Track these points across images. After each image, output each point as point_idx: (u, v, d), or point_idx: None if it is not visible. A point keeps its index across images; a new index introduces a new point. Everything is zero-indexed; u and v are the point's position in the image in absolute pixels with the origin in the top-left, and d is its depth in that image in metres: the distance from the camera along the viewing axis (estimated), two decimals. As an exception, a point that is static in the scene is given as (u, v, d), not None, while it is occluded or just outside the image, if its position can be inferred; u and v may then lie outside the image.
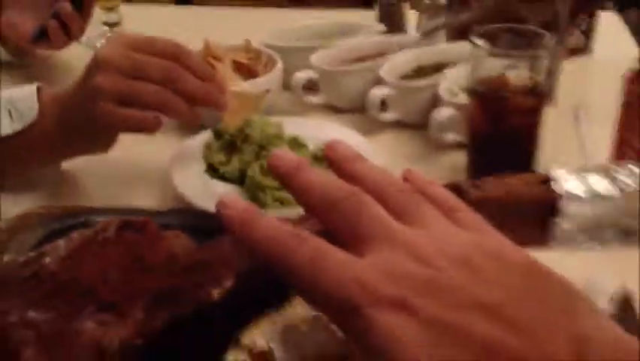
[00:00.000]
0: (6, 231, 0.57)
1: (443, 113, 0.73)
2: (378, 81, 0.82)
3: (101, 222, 0.49)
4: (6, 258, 0.53)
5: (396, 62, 0.84)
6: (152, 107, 0.62)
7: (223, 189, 0.70)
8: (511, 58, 0.64)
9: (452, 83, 0.77)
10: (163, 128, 0.64)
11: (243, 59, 0.86)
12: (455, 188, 0.51)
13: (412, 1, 1.00)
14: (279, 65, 0.83)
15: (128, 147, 0.78)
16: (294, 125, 0.76)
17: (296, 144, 0.73)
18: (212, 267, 0.46)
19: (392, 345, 0.27)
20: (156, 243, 0.48)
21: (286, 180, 0.33)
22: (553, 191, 0.49)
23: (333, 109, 0.88)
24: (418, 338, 0.27)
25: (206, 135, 0.76)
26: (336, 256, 0.29)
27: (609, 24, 1.09)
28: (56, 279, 0.44)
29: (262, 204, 0.66)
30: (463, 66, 0.80)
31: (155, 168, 0.73)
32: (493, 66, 0.64)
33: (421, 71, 0.85)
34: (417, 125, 0.81)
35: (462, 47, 0.86)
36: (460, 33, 0.93)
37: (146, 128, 0.63)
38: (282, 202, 0.67)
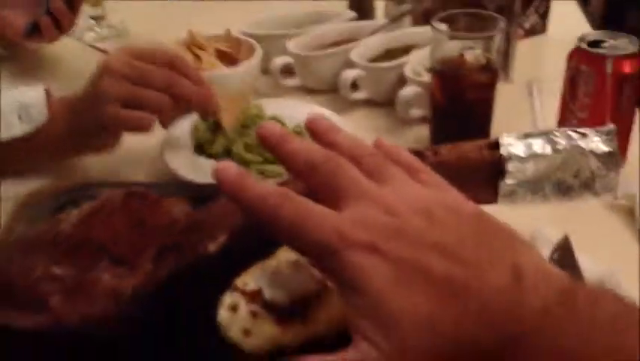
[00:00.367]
0: (20, 205, 0.64)
1: (408, 90, 0.80)
2: (350, 64, 0.88)
3: (107, 193, 0.56)
4: (21, 227, 0.59)
5: (366, 46, 0.90)
6: (151, 110, 0.68)
7: (210, 165, 0.76)
8: (467, 40, 0.72)
9: (416, 64, 0.84)
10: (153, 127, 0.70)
11: (224, 47, 0.92)
12: (416, 154, 0.58)
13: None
14: (259, 51, 0.90)
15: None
16: (273, 106, 0.82)
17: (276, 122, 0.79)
18: (207, 226, 0.53)
19: (365, 281, 0.32)
20: (157, 208, 0.54)
21: (274, 148, 0.38)
22: (499, 154, 0.56)
23: (308, 90, 0.94)
24: (386, 274, 0.32)
25: (193, 117, 0.82)
26: (317, 210, 0.34)
27: (565, 6, 1.17)
28: (73, 240, 0.51)
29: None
30: (427, 49, 0.87)
31: (149, 147, 0.79)
32: (452, 47, 0.71)
33: (388, 54, 0.91)
34: (385, 102, 0.88)
35: (426, 31, 0.92)
36: (424, 18, 1.00)
37: (144, 127, 0.69)
38: (264, 174, 0.73)
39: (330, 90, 0.92)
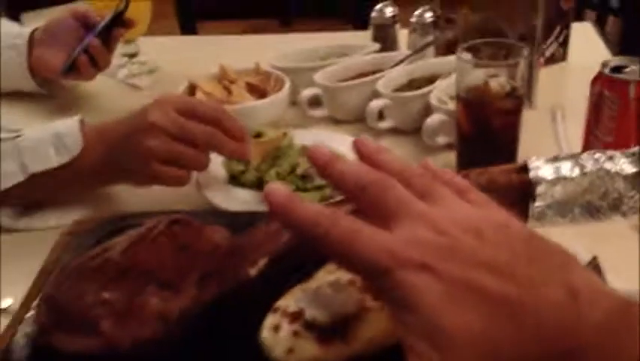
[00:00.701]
0: (65, 234, 0.66)
1: (434, 118, 0.82)
2: (375, 94, 0.91)
3: (151, 221, 0.58)
4: (67, 255, 0.62)
5: (391, 77, 0.93)
6: (190, 168, 0.72)
7: (243, 194, 0.79)
8: (492, 68, 0.74)
9: (442, 93, 0.86)
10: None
11: (254, 80, 0.95)
12: (446, 178, 0.60)
13: (402, 21, 1.09)
14: (287, 84, 0.93)
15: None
16: (302, 136, 0.84)
17: (305, 152, 0.82)
18: (247, 251, 0.55)
19: (418, 300, 0.32)
20: (199, 235, 0.57)
21: (324, 170, 0.38)
22: (528, 178, 0.58)
23: (335, 121, 0.96)
24: (439, 293, 0.32)
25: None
26: (368, 230, 0.34)
27: (584, 34, 1.19)
28: (120, 266, 0.53)
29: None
30: (453, 77, 0.89)
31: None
32: (477, 76, 0.73)
33: (413, 84, 0.94)
34: (410, 131, 0.90)
35: (449, 60, 0.95)
36: (447, 48, 1.03)
37: (181, 184, 0.73)
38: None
39: (356, 120, 0.95)
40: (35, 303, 0.55)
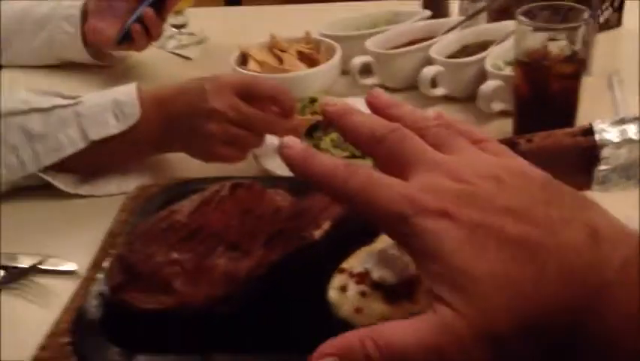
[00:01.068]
0: (130, 199, 0.68)
1: (490, 84, 0.81)
2: (428, 61, 0.90)
3: (214, 185, 0.59)
4: (134, 219, 0.63)
5: (444, 43, 0.92)
6: (249, 148, 0.75)
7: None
8: (551, 31, 0.72)
9: (497, 59, 0.85)
10: None
11: (305, 49, 0.96)
12: (509, 141, 0.60)
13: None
14: (339, 52, 0.92)
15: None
16: (354, 104, 0.85)
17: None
18: (311, 214, 0.56)
19: (438, 246, 0.32)
20: (262, 198, 0.58)
21: (338, 122, 0.38)
22: (593, 140, 0.57)
23: (385, 89, 0.96)
24: (459, 238, 0.32)
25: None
26: (385, 179, 0.34)
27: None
28: (188, 228, 0.54)
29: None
30: (506, 43, 0.88)
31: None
32: (536, 39, 0.72)
33: (465, 50, 0.93)
34: (463, 98, 0.89)
35: (503, 26, 0.94)
36: (499, 14, 1.01)
37: (237, 161, 0.75)
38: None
39: (407, 88, 0.94)
40: (105, 264, 0.57)
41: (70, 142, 0.72)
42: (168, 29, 1.15)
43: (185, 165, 0.79)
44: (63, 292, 0.59)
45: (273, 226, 0.54)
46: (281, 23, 1.11)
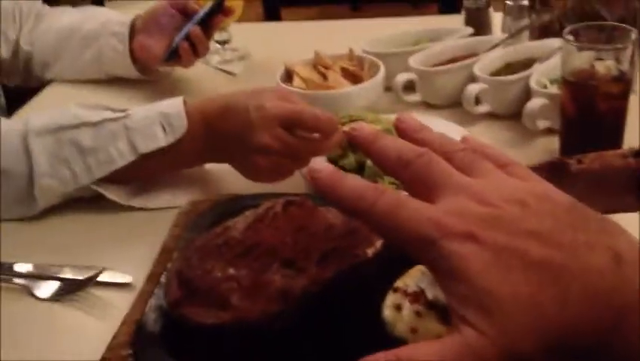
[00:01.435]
0: (182, 214, 0.70)
1: (536, 102, 0.81)
2: (471, 78, 0.91)
3: (268, 202, 0.60)
4: (187, 234, 0.65)
5: (487, 61, 0.93)
6: (292, 173, 0.76)
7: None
8: (598, 51, 0.73)
9: (541, 76, 0.86)
10: None
11: (348, 65, 0.97)
12: (560, 162, 0.60)
13: (496, 4, 1.08)
14: (382, 69, 0.93)
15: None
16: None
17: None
18: (363, 232, 0.57)
19: (464, 268, 0.32)
20: (315, 215, 0.59)
21: (366, 147, 0.38)
22: (645, 161, 0.57)
23: (428, 106, 0.97)
24: (484, 261, 0.32)
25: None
26: (412, 203, 0.35)
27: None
28: (243, 245, 0.56)
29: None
30: (550, 61, 0.89)
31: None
32: (582, 59, 0.73)
33: (509, 68, 0.93)
34: (507, 115, 0.90)
35: (545, 44, 0.94)
36: (541, 32, 1.01)
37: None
38: (398, 186, 0.77)
39: (450, 105, 0.95)
40: (163, 278, 0.58)
41: (120, 155, 0.73)
42: (212, 45, 1.17)
43: (234, 179, 0.81)
44: (119, 304, 0.61)
45: (326, 243, 0.55)
46: (321, 39, 1.13)
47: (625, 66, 0.72)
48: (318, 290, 0.52)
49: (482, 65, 0.91)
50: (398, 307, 0.50)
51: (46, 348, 0.59)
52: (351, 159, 0.82)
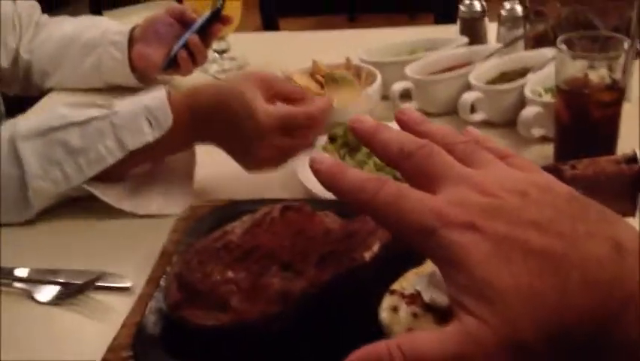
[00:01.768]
0: (182, 220, 0.70)
1: (530, 110, 0.83)
2: (467, 87, 0.92)
3: (266, 207, 0.61)
4: (186, 239, 0.66)
5: (482, 70, 0.94)
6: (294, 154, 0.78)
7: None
8: (591, 60, 0.74)
9: (536, 85, 0.87)
10: None
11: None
12: (554, 168, 0.61)
13: (491, 14, 1.10)
14: (379, 78, 0.95)
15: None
16: (396, 127, 0.86)
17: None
18: (360, 236, 0.57)
19: (465, 258, 0.32)
20: (312, 220, 0.60)
21: (367, 139, 0.39)
22: (637, 167, 0.58)
23: (426, 114, 0.97)
24: (485, 250, 0.32)
25: (322, 140, 0.88)
26: (413, 193, 0.35)
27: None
28: (242, 248, 0.56)
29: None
30: (545, 70, 0.90)
31: (282, 169, 0.85)
32: (576, 67, 0.74)
33: (504, 77, 0.94)
34: (502, 123, 0.91)
35: (540, 53, 0.96)
36: (536, 41, 1.03)
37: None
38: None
39: (446, 113, 0.96)
40: (162, 281, 0.59)
41: (109, 153, 0.74)
42: (211, 54, 1.18)
43: (228, 187, 0.82)
44: (119, 307, 0.62)
45: (324, 247, 0.56)
46: (318, 49, 1.14)
47: (618, 75, 0.73)
48: (316, 292, 0.53)
49: (478, 74, 0.93)
50: (395, 310, 0.51)
51: (46, 351, 0.60)
52: (350, 164, 0.83)
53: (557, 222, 0.33)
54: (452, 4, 1.11)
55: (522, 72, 0.94)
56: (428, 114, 0.97)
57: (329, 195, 0.78)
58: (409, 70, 0.96)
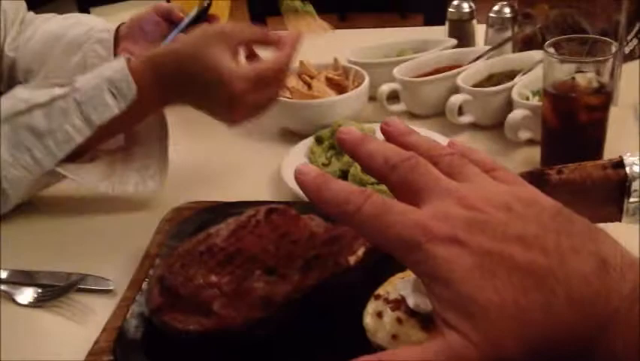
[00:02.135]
0: (166, 222, 0.70)
1: (517, 113, 0.82)
2: (455, 89, 0.92)
3: (250, 210, 0.61)
4: (170, 241, 0.65)
5: (470, 72, 0.94)
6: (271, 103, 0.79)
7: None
8: (579, 64, 0.74)
9: (523, 88, 0.87)
10: None
11: (333, 75, 0.97)
12: (539, 173, 0.61)
13: (479, 16, 1.10)
14: (367, 79, 0.94)
15: (244, 153, 0.91)
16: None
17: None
18: (345, 240, 0.57)
19: (449, 272, 0.32)
20: (297, 223, 0.59)
21: (352, 150, 0.39)
22: (624, 173, 0.58)
23: (412, 115, 0.97)
24: (469, 265, 0.32)
25: (308, 142, 0.87)
26: (398, 206, 0.35)
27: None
28: (225, 252, 0.56)
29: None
30: (532, 73, 0.90)
31: (268, 171, 0.85)
32: (564, 71, 0.74)
33: (491, 79, 0.94)
34: (490, 126, 0.91)
35: (528, 56, 0.96)
36: (524, 44, 1.03)
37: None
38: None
39: (434, 115, 0.96)
40: (144, 285, 0.58)
41: (77, 131, 0.72)
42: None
43: (213, 188, 0.81)
44: (101, 310, 0.61)
45: (308, 251, 0.56)
46: (306, 48, 1.13)
47: (605, 78, 0.73)
48: (300, 297, 0.53)
49: (465, 76, 0.92)
50: (379, 315, 0.50)
51: (26, 354, 0.59)
52: (334, 167, 0.83)
53: (542, 238, 0.33)
54: (441, 5, 1.11)
55: (510, 75, 0.93)
56: (416, 116, 0.97)
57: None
58: (396, 71, 0.96)
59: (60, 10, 1.22)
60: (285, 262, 0.54)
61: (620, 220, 0.58)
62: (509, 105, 0.87)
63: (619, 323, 0.31)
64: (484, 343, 0.31)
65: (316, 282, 0.53)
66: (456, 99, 0.89)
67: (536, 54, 0.92)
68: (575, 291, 0.31)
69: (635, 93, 0.97)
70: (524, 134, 0.84)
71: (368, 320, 0.51)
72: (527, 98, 0.86)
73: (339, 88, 0.96)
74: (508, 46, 1.02)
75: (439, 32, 1.12)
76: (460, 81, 0.91)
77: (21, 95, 0.74)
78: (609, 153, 0.78)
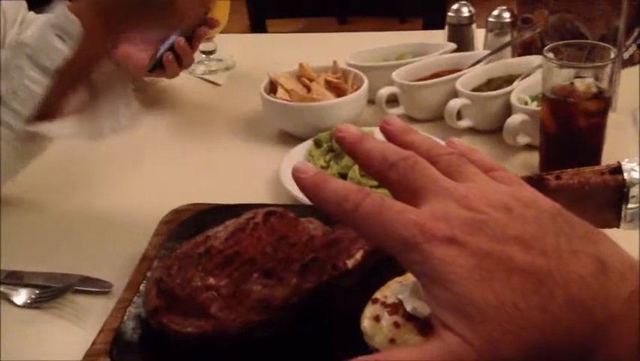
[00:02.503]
0: (164, 224, 0.69)
1: (516, 118, 0.82)
2: (454, 93, 0.92)
3: (249, 212, 0.61)
4: (168, 243, 0.65)
5: (469, 76, 0.94)
6: None
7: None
8: (578, 69, 0.74)
9: (522, 93, 0.87)
10: None
11: (332, 78, 0.97)
12: (538, 178, 0.61)
13: (479, 21, 1.10)
14: (366, 83, 0.94)
15: (243, 156, 0.91)
16: (381, 135, 0.86)
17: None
18: (343, 243, 0.57)
19: (447, 273, 0.32)
20: (296, 226, 0.59)
21: (351, 149, 0.38)
22: (622, 179, 0.58)
23: (411, 119, 0.97)
24: (467, 266, 0.32)
25: (307, 144, 0.87)
26: (396, 206, 0.34)
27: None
28: (224, 254, 0.56)
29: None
30: (531, 77, 0.90)
31: (267, 173, 0.85)
32: (562, 76, 0.74)
33: (491, 83, 0.94)
34: (488, 130, 0.91)
35: (527, 60, 0.96)
36: (523, 49, 1.03)
37: None
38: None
39: (432, 119, 0.96)
40: (142, 287, 0.58)
41: (36, 83, 0.71)
42: (197, 55, 1.17)
43: (211, 191, 0.81)
44: (98, 311, 0.61)
45: (306, 254, 0.56)
46: (306, 51, 1.13)
47: (604, 84, 0.73)
48: (298, 301, 0.53)
49: (464, 81, 0.92)
50: (377, 319, 0.50)
51: (23, 355, 0.59)
52: (333, 170, 0.83)
53: (541, 239, 0.33)
54: (441, 9, 1.11)
55: (509, 79, 0.94)
56: (414, 120, 0.97)
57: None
58: (395, 75, 0.96)
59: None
60: (283, 265, 0.54)
61: (618, 227, 0.59)
62: (508, 110, 0.87)
63: (617, 327, 0.31)
64: (481, 344, 0.31)
65: (314, 285, 0.53)
66: (455, 103, 0.89)
67: (535, 59, 0.92)
68: (574, 294, 0.31)
69: (633, 99, 0.97)
70: (523, 139, 0.85)
71: (366, 323, 0.51)
72: (526, 103, 0.86)
73: (338, 91, 0.96)
74: (508, 50, 1.02)
75: (439, 36, 1.12)
76: (459, 85, 0.91)
77: None
78: (607, 158, 0.78)
